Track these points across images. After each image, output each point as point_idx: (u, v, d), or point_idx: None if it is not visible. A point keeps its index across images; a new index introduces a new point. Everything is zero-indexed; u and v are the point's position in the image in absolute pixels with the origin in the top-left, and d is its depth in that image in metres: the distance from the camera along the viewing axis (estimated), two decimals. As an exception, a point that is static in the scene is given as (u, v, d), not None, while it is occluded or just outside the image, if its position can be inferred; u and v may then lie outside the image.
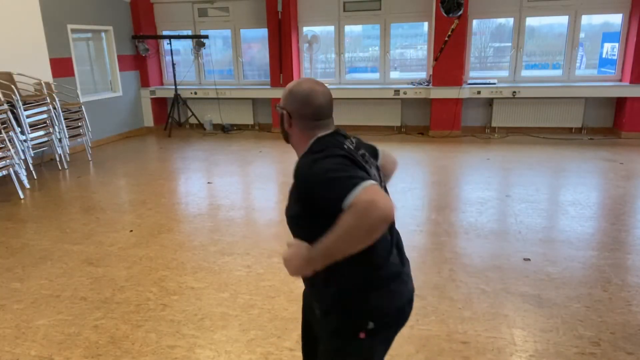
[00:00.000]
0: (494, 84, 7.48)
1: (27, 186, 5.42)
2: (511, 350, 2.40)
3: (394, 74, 8.32)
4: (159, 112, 8.97)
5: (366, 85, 8.23)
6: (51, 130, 6.06)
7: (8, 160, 5.15)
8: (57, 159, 6.28)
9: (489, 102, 7.69)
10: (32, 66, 6.29)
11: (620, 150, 6.48)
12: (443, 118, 7.61)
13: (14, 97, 5.52)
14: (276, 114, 8.28)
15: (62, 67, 6.92)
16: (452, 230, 3.94)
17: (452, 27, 7.20)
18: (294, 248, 1.33)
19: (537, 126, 7.57)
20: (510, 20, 7.55)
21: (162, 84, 9.12)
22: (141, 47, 8.47)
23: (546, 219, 4.15)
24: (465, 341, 2.48)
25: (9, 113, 5.31)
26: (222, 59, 9.08)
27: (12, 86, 5.62)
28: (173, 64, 8.38)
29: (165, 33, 8.77)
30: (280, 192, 5.22)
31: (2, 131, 5.09)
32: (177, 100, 8.47)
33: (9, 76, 5.80)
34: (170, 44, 8.42)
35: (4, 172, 5.10)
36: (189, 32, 8.75)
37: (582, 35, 7.48)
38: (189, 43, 8.90)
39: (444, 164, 6.13)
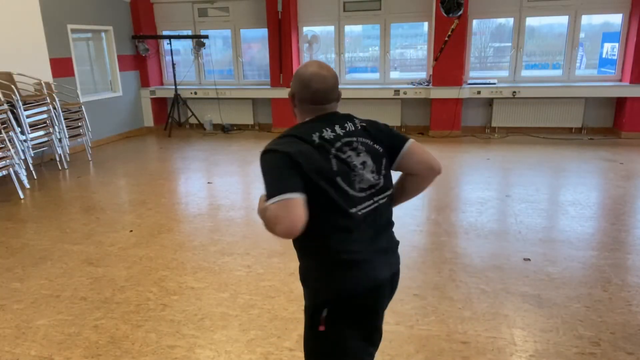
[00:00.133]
0: (494, 84, 7.48)
1: (27, 186, 5.42)
2: (511, 350, 2.40)
3: (394, 74, 8.32)
4: (159, 112, 8.97)
5: (366, 85, 8.24)
6: (51, 130, 6.06)
7: (8, 160, 5.15)
8: (57, 159, 6.28)
9: (489, 102, 7.69)
10: (32, 66, 6.29)
11: (620, 150, 6.48)
12: (443, 118, 7.61)
13: (14, 97, 5.52)
14: (276, 114, 8.36)
15: (62, 67, 6.92)
16: (452, 230, 3.94)
17: (452, 27, 7.20)
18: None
19: (537, 126, 7.57)
20: (510, 20, 7.55)
21: (162, 84, 9.12)
22: (141, 47, 8.47)
23: (546, 219, 4.15)
24: (465, 341, 2.48)
25: (9, 113, 5.31)
26: (222, 59, 9.08)
27: (12, 86, 5.62)
28: (173, 64, 8.39)
29: (165, 33, 8.77)
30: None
31: (2, 131, 5.09)
32: (177, 100, 8.47)
33: (9, 76, 5.80)
34: (170, 44, 8.42)
35: (4, 172, 5.10)
36: (189, 32, 8.75)
37: (582, 35, 7.48)
38: (189, 43, 8.90)
39: (444, 164, 6.07)
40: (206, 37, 8.53)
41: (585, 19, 7.40)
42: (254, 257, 3.54)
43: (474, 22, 7.64)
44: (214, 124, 8.79)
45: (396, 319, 2.68)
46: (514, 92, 7.29)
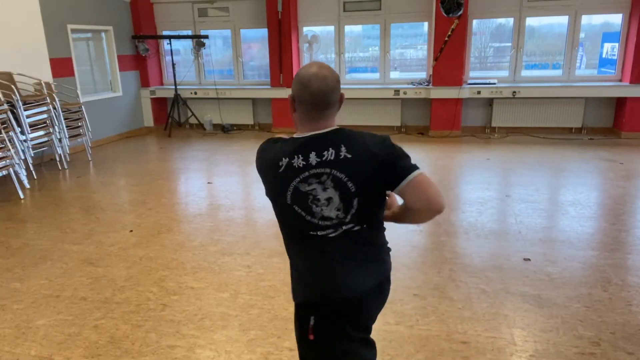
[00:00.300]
0: (494, 84, 7.48)
1: (27, 186, 5.42)
2: (511, 350, 2.40)
3: (394, 74, 8.32)
4: (159, 112, 8.97)
5: (366, 85, 8.24)
6: (51, 130, 6.06)
7: (8, 160, 5.15)
8: (57, 159, 6.28)
9: (489, 102, 7.69)
10: (32, 66, 6.29)
11: (620, 150, 6.48)
12: (443, 118, 7.61)
13: (14, 97, 5.52)
14: (276, 114, 8.36)
15: (62, 67, 6.92)
16: (452, 230, 3.94)
17: (452, 27, 7.20)
18: None
19: (537, 126, 7.57)
20: (510, 20, 7.55)
21: (162, 84, 9.12)
22: (141, 47, 8.47)
23: (546, 219, 4.15)
24: (465, 341, 2.48)
25: (9, 113, 5.31)
26: (222, 59, 9.08)
27: (12, 86, 5.61)
28: (173, 64, 8.38)
29: (165, 33, 8.77)
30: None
31: (2, 131, 5.09)
32: (177, 100, 8.47)
33: (9, 76, 5.80)
34: (170, 44, 8.42)
35: (4, 172, 5.10)
36: (189, 32, 8.75)
37: (582, 35, 7.48)
38: (189, 43, 8.90)
39: (444, 164, 6.13)
40: (206, 37, 8.53)
41: (585, 19, 7.40)
42: (254, 257, 3.54)
43: (474, 22, 7.64)
44: (214, 124, 8.79)
45: (396, 319, 2.68)
46: (514, 92, 7.29)
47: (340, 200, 1.38)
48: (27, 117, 5.71)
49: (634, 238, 3.74)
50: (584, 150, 6.51)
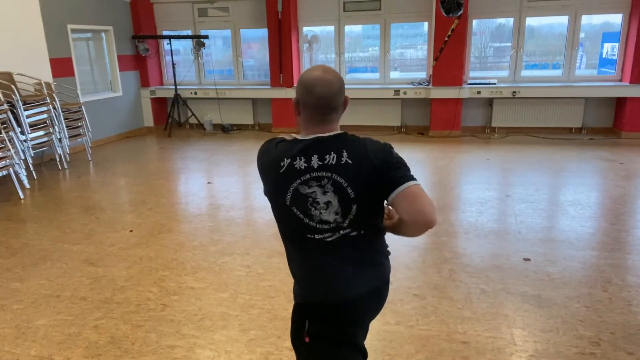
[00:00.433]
0: (494, 84, 7.48)
1: (27, 186, 5.42)
2: (511, 350, 2.41)
3: (394, 74, 8.32)
4: (159, 112, 8.97)
5: (366, 85, 8.24)
6: (51, 130, 6.06)
7: (8, 160, 5.15)
8: (57, 159, 6.28)
9: (489, 102, 7.69)
10: (32, 66, 6.29)
11: (620, 150, 6.48)
12: (443, 118, 7.61)
13: (14, 97, 5.52)
14: (276, 114, 8.36)
15: (62, 67, 6.92)
16: (452, 230, 3.94)
17: (452, 27, 7.20)
18: None
19: (537, 126, 7.57)
20: (510, 20, 7.55)
21: (162, 84, 9.12)
22: (141, 47, 8.47)
23: (546, 219, 4.15)
24: (465, 341, 2.48)
25: (9, 113, 5.31)
26: (222, 59, 9.08)
27: (12, 86, 5.62)
28: (173, 64, 8.38)
29: (165, 33, 8.77)
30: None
31: (2, 131, 5.09)
32: (177, 100, 8.47)
33: (9, 76, 5.80)
34: (170, 44, 8.42)
35: (4, 172, 5.10)
36: (189, 32, 8.75)
37: (582, 35, 7.48)
38: (189, 43, 8.90)
39: (444, 164, 6.13)
40: (206, 37, 8.52)
41: (585, 19, 7.40)
42: (254, 257, 3.54)
43: (474, 22, 7.64)
44: (214, 124, 8.79)
45: (396, 319, 2.68)
46: (514, 92, 7.29)
47: (339, 205, 1.38)
48: (27, 117, 5.71)
49: (634, 238, 3.74)
50: (584, 150, 6.51)
